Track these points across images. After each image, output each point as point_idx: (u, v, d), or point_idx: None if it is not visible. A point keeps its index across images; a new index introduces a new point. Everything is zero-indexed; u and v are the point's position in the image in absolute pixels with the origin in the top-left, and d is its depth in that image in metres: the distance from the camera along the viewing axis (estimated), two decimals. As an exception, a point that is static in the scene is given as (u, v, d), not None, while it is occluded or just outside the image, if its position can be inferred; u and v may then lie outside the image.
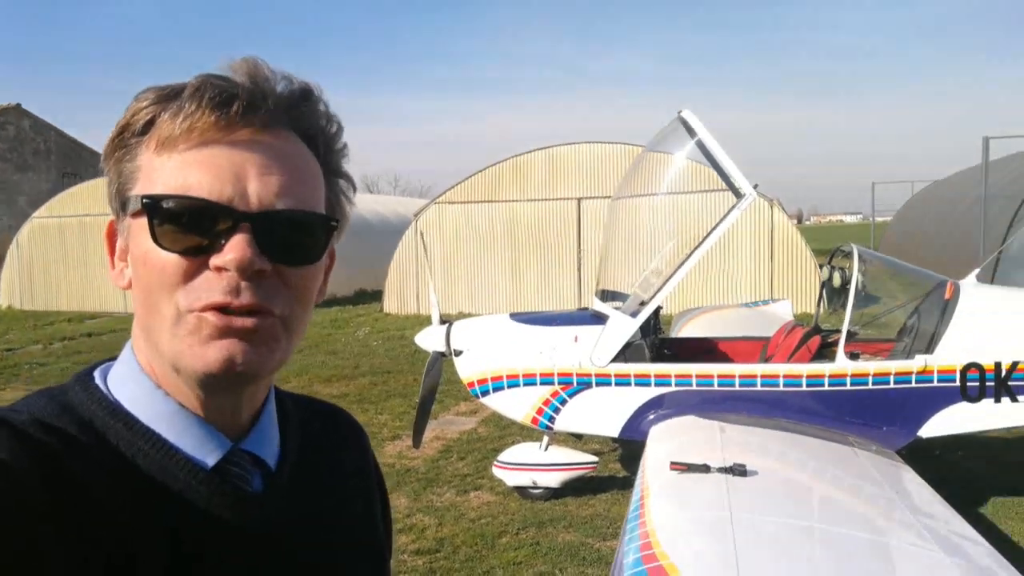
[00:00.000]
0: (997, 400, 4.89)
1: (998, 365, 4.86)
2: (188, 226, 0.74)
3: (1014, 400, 4.89)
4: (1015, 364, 4.86)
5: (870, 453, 4.40)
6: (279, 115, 0.78)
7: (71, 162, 30.78)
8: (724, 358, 5.86)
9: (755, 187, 4.96)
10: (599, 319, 5.43)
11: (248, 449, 0.83)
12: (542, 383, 5.41)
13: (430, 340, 5.94)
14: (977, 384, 4.88)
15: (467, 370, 5.66)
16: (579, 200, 17.25)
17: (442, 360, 5.97)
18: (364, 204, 22.76)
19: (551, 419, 5.45)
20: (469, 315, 7.64)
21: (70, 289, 20.42)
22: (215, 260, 0.74)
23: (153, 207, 0.74)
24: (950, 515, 3.49)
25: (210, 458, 0.79)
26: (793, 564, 2.83)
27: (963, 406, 4.91)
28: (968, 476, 6.31)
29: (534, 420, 5.50)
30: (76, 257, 20.33)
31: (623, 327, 5.18)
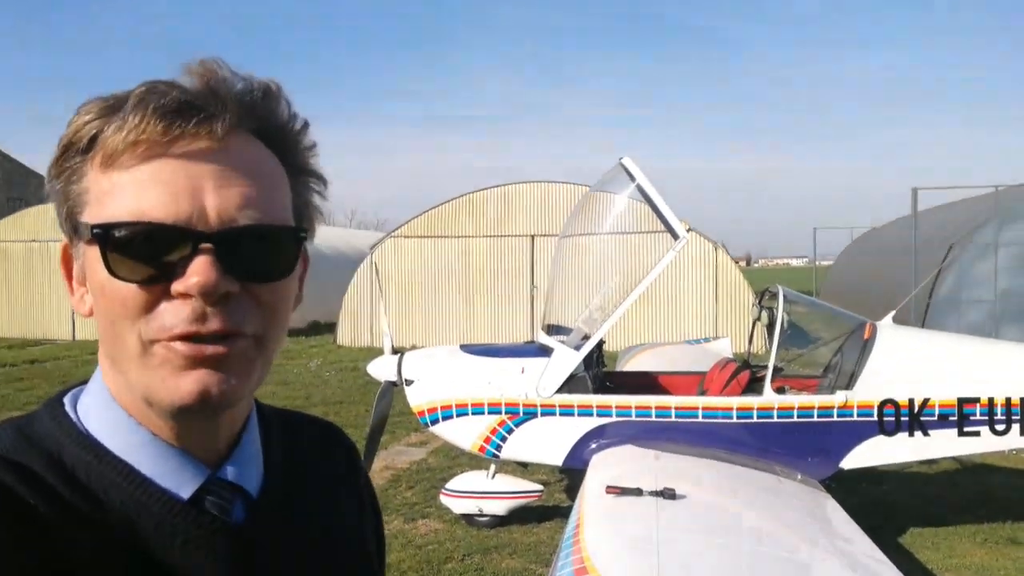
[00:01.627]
0: (911, 434, 5.27)
1: (911, 401, 5.25)
2: (145, 253, 0.68)
3: (926, 434, 5.27)
4: (926, 401, 5.25)
5: (794, 482, 4.71)
6: (235, 118, 0.72)
7: (17, 187, 30.14)
8: (663, 391, 6.16)
9: (688, 230, 5.31)
10: (545, 352, 5.69)
11: (227, 478, 0.78)
12: (490, 412, 5.62)
13: (382, 369, 6.11)
14: (893, 419, 5.26)
15: (417, 399, 5.84)
16: (532, 237, 17.64)
17: (393, 390, 6.14)
18: (319, 236, 22.57)
19: (498, 447, 5.65)
20: (423, 347, 7.87)
21: (13, 316, 19.92)
22: (177, 286, 0.69)
23: (104, 236, 0.69)
24: (866, 542, 3.78)
25: (186, 489, 0.75)
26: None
27: (881, 439, 5.27)
28: (891, 507, 6.68)
29: (481, 448, 5.69)
30: (21, 283, 19.89)
31: (567, 359, 5.45)
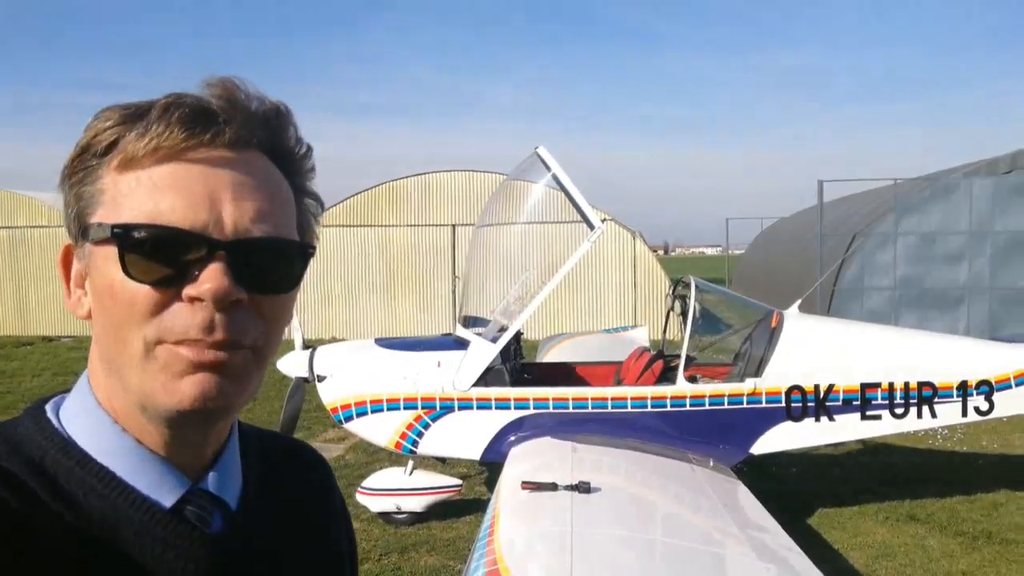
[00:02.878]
0: (817, 419, 5.43)
1: (817, 387, 5.41)
2: (160, 256, 0.70)
3: (831, 419, 5.45)
4: (831, 386, 5.42)
5: (707, 470, 4.78)
6: (252, 135, 0.76)
7: None
8: (581, 381, 6.17)
9: (604, 220, 5.31)
10: (462, 344, 5.59)
11: (208, 489, 0.79)
12: (406, 408, 5.49)
13: (292, 366, 5.89)
14: (800, 405, 5.41)
15: (330, 395, 5.65)
16: (454, 227, 17.48)
17: (305, 386, 5.92)
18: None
19: (414, 443, 5.53)
20: (342, 340, 7.62)
21: None
22: (189, 290, 0.70)
23: (124, 236, 0.70)
24: (776, 529, 3.86)
25: (168, 498, 0.75)
26: (624, 572, 3.07)
27: (788, 425, 5.42)
28: (800, 490, 6.91)
29: (397, 445, 5.56)
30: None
31: (484, 352, 5.37)
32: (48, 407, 0.79)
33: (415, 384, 5.45)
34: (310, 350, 5.89)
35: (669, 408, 5.35)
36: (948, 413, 5.51)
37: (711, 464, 4.98)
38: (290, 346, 6.16)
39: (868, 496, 6.69)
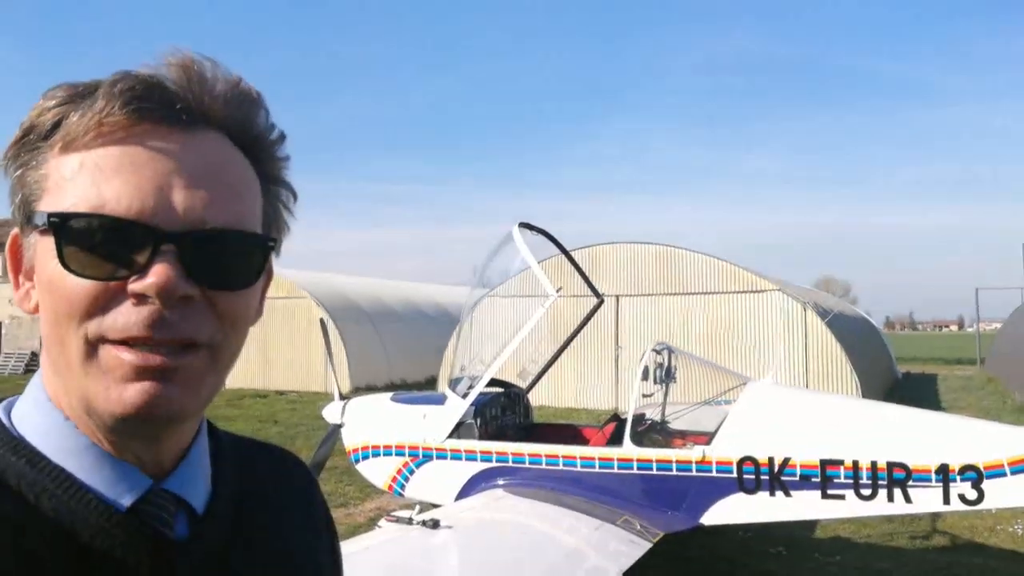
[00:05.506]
0: (772, 493, 5.24)
1: (771, 460, 5.24)
2: (102, 248, 0.64)
3: (788, 495, 5.21)
4: (787, 460, 5.21)
5: (614, 527, 4.93)
6: (212, 117, 0.70)
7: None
8: (569, 441, 6.49)
9: (558, 290, 5.78)
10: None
11: (170, 489, 0.73)
12: (397, 454, 6.30)
13: (330, 414, 7.02)
14: (753, 477, 5.27)
15: (347, 440, 6.66)
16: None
17: (339, 432, 6.99)
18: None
19: (403, 487, 6.30)
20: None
21: None
22: (134, 286, 0.65)
23: (61, 226, 0.65)
24: None
25: (126, 498, 0.70)
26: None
27: (741, 497, 5.29)
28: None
29: (390, 487, 6.38)
30: None
31: (455, 407, 6.03)
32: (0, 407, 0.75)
33: (403, 434, 6.25)
34: (345, 401, 6.99)
35: (616, 470, 5.53)
36: (926, 499, 4.98)
37: (638, 527, 5.09)
38: (329, 397, 7.32)
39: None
